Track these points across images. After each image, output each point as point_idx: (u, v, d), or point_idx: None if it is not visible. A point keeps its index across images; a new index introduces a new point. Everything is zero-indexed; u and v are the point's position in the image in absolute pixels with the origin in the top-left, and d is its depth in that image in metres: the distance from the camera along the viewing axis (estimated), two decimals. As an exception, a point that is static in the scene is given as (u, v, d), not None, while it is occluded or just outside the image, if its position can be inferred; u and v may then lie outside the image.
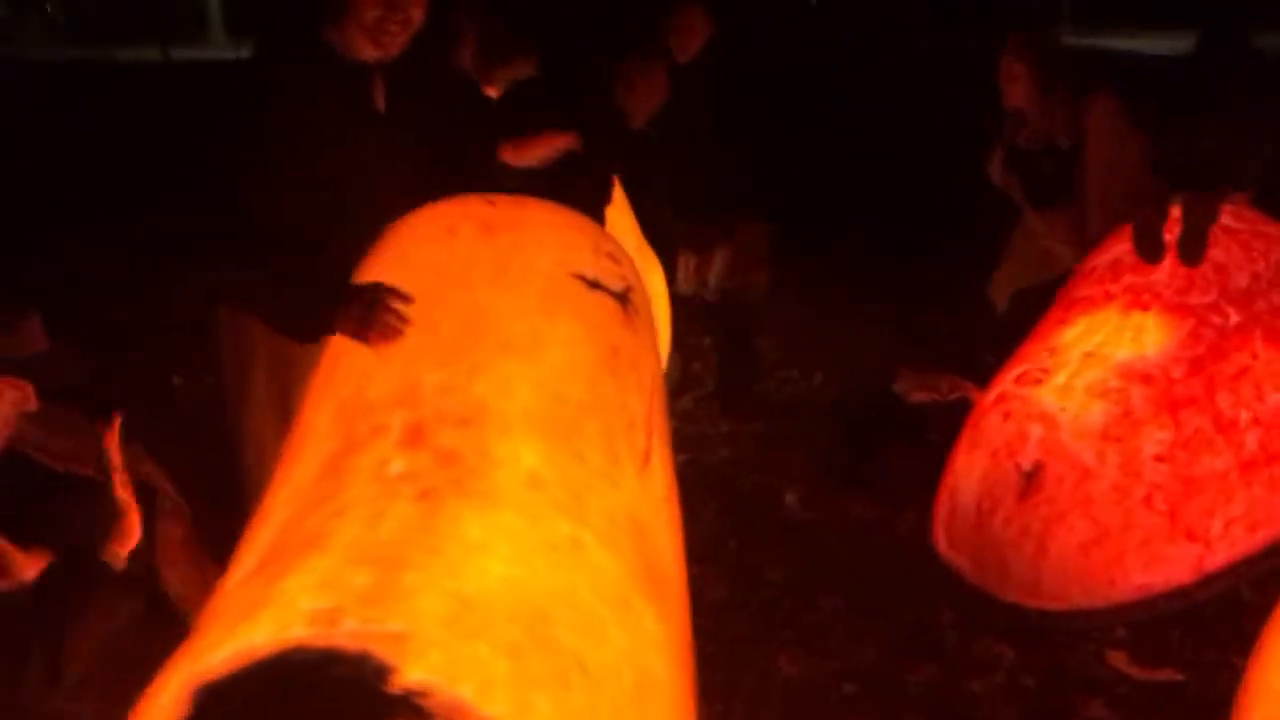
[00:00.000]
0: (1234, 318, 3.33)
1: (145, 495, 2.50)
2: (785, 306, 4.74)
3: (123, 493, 2.38)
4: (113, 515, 2.37)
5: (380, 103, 2.51)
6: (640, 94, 4.09)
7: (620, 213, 3.98)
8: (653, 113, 4.13)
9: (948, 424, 3.62)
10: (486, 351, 2.12)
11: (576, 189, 3.64)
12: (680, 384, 4.45)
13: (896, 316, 4.71)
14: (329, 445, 2.06)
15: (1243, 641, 2.18)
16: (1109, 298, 3.45)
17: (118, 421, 2.43)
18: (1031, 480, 3.14)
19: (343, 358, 2.23)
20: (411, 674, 1.46)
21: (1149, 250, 3.42)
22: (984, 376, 3.61)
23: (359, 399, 2.10)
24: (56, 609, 2.31)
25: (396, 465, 1.90)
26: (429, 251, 2.33)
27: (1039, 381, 3.32)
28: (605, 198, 3.90)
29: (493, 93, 3.66)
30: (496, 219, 2.37)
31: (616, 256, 2.39)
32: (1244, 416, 3.24)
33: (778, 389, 4.65)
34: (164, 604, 2.50)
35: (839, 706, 2.79)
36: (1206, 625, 3.06)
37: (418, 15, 2.43)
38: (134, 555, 2.44)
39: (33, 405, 2.33)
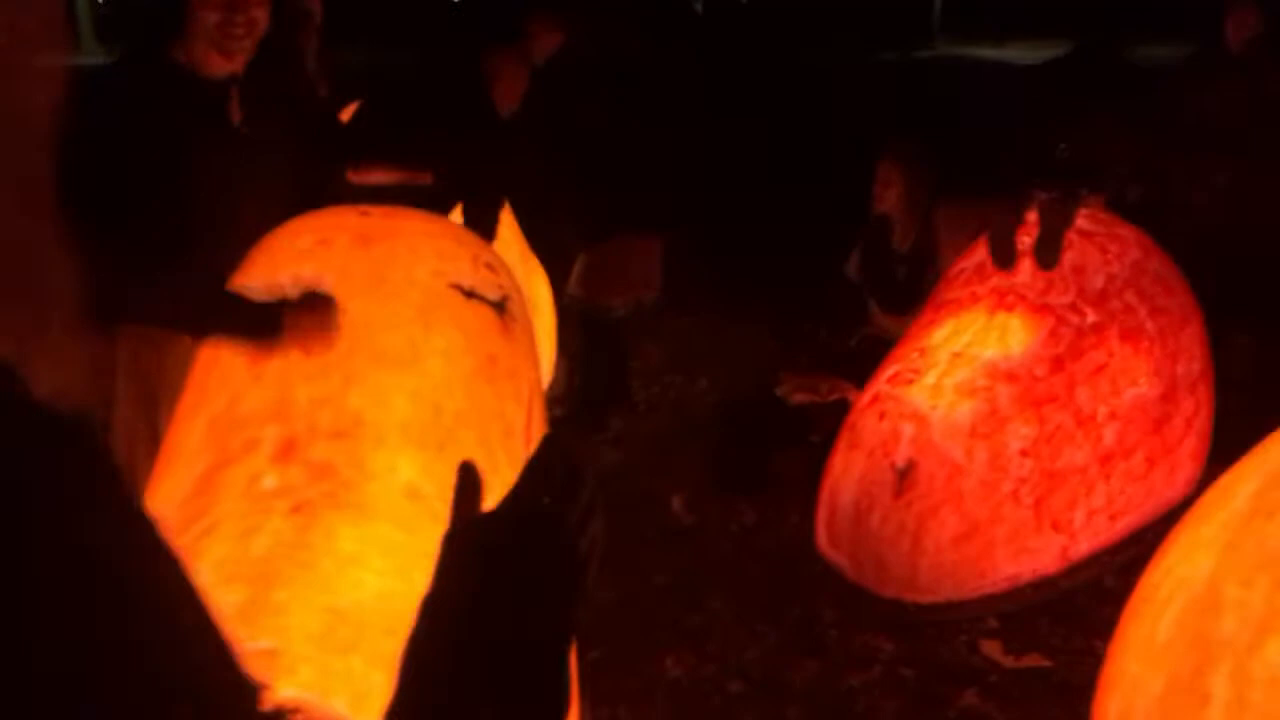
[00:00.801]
0: (1091, 317, 3.49)
1: None
2: (668, 313, 4.80)
3: None
4: None
5: (236, 118, 2.47)
6: (504, 84, 4.09)
7: (504, 221, 3.97)
8: (516, 106, 4.13)
9: (828, 425, 3.71)
10: (362, 363, 2.11)
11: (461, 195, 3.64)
12: (565, 391, 4.47)
13: (777, 322, 4.81)
14: (201, 461, 2.02)
15: (1106, 627, 2.29)
16: (976, 299, 3.58)
17: None
18: (905, 478, 3.24)
19: (213, 372, 2.19)
20: (283, 690, 1.45)
21: (1002, 256, 3.56)
22: (862, 378, 3.71)
23: (231, 414, 2.07)
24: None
25: (269, 480, 1.88)
26: (303, 264, 2.30)
27: (910, 381, 3.42)
28: (493, 205, 3.89)
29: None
30: (371, 229, 2.36)
31: (494, 265, 2.39)
32: (1102, 411, 3.39)
33: (662, 394, 4.70)
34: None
35: (724, 706, 2.84)
36: (1072, 613, 3.20)
37: (261, 17, 2.37)
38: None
39: None
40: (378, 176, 3.40)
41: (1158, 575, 2.23)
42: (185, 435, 2.12)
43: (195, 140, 2.38)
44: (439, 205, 3.27)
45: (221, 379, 2.16)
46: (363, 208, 2.44)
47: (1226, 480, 2.24)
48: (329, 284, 2.19)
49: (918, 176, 4.11)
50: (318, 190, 2.52)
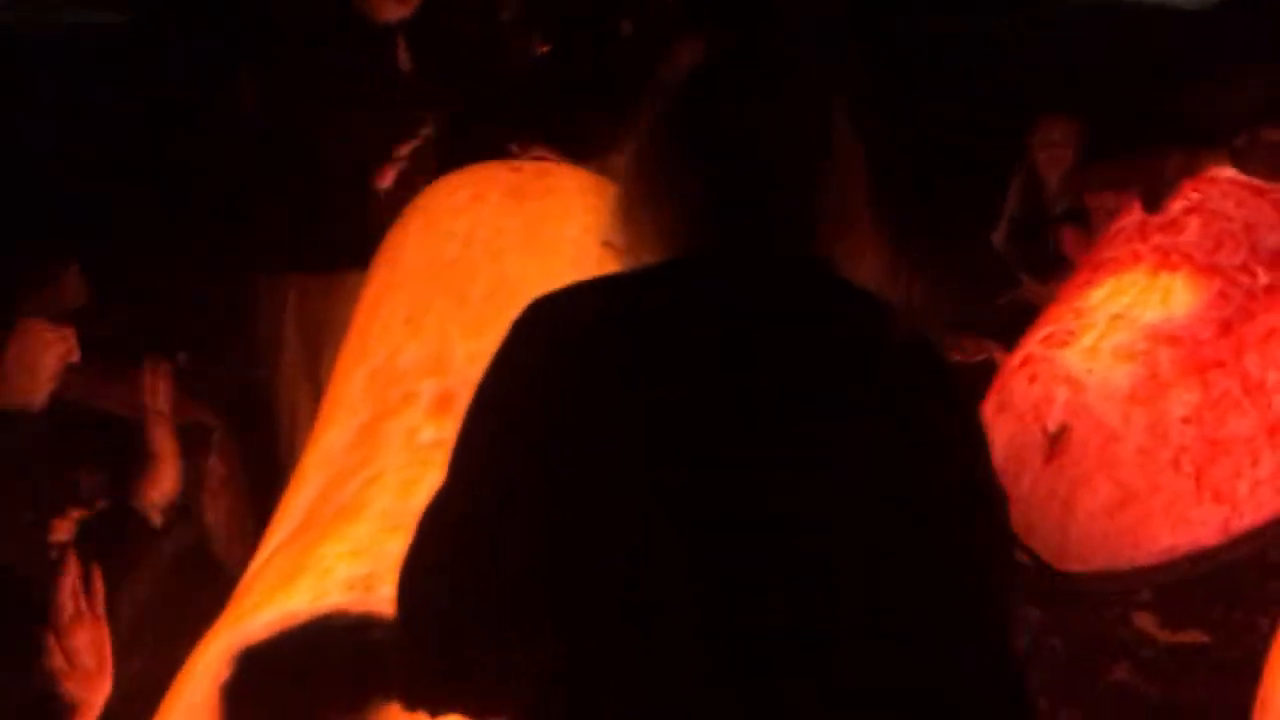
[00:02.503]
0: (1263, 278, 3.31)
1: (191, 439, 2.50)
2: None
3: (159, 436, 2.37)
4: (147, 459, 2.36)
5: (404, 64, 2.50)
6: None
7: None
8: None
9: (972, 385, 3.62)
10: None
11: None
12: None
13: (922, 278, 4.70)
14: (361, 413, 2.09)
15: (1269, 602, 2.20)
16: (1137, 258, 3.43)
17: (166, 366, 2.43)
18: (1057, 443, 3.14)
19: (373, 324, 2.25)
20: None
21: (1152, 200, 3.44)
22: (1009, 340, 3.60)
23: (389, 367, 2.12)
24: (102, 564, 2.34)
25: (427, 433, 1.93)
26: (457, 219, 2.34)
27: (1065, 343, 3.31)
28: None
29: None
30: (524, 186, 2.38)
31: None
32: (1271, 378, 3.22)
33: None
34: (206, 555, 2.52)
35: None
36: (1232, 587, 3.07)
37: None
38: (176, 504, 2.45)
39: (76, 356, 2.34)
40: (539, 153, 3.41)
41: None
42: (346, 386, 2.19)
43: (361, 87, 2.41)
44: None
45: (381, 332, 2.22)
46: (514, 163, 2.46)
47: None
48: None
49: (1078, 137, 3.97)
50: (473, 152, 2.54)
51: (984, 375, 3.56)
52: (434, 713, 1.02)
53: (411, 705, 1.03)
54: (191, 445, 2.52)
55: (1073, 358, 3.27)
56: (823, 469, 0.99)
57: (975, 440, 1.15)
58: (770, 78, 1.07)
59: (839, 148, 1.08)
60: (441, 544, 1.03)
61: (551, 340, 1.03)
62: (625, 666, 0.94)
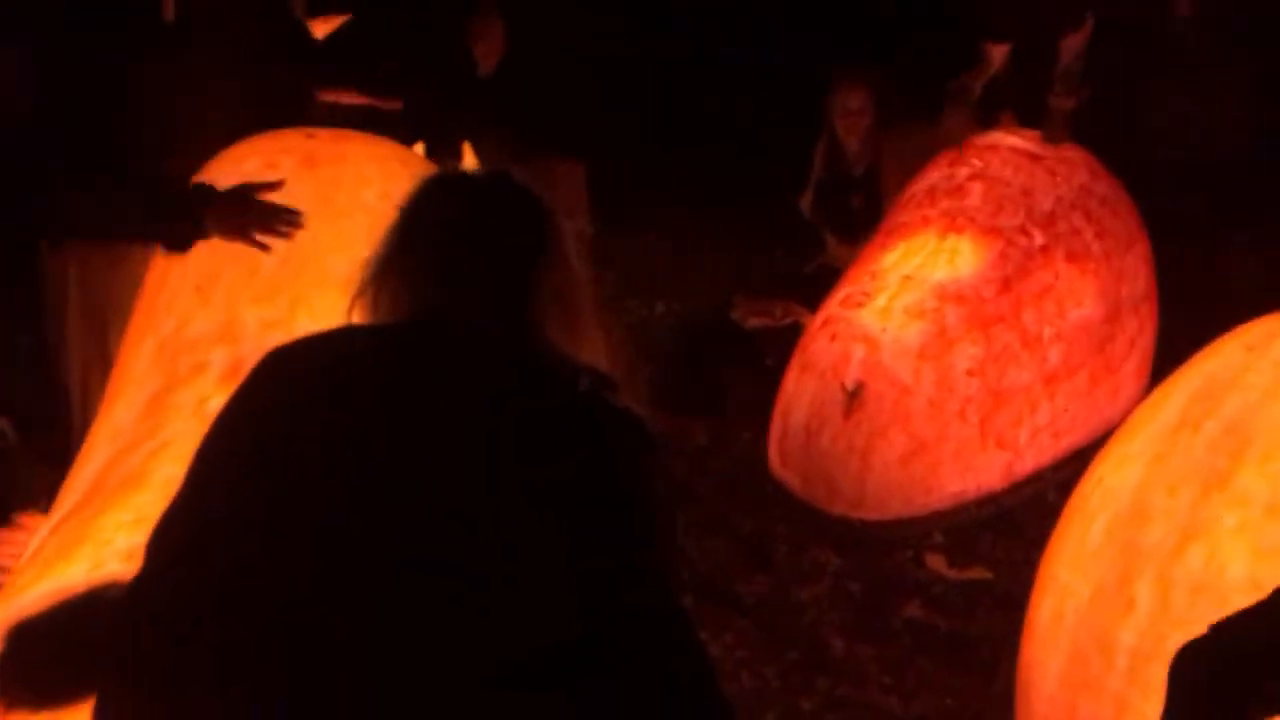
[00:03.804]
0: (1039, 239, 3.54)
1: None
2: (622, 241, 4.81)
3: None
4: None
5: (168, 13, 2.41)
6: (486, 45, 4.05)
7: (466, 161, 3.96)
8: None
9: (782, 348, 3.76)
10: (308, 285, 2.12)
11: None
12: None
13: (731, 247, 4.83)
14: (150, 384, 2.05)
15: (1047, 541, 2.37)
16: (927, 222, 3.62)
17: None
18: (855, 398, 3.30)
19: (161, 294, 2.20)
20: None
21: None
22: (816, 303, 3.75)
23: (179, 337, 2.09)
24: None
25: (216, 402, 1.89)
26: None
27: (861, 304, 3.47)
28: (456, 145, 3.88)
29: (318, 31, 3.57)
30: (318, 152, 2.36)
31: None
32: (1047, 332, 3.46)
33: (618, 320, 4.73)
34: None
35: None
36: (1015, 527, 3.29)
37: None
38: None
39: None
40: (347, 98, 3.37)
41: (1089, 486, 2.31)
42: (134, 358, 2.13)
43: (121, 36, 2.31)
44: (403, 136, 3.25)
45: (169, 302, 2.17)
46: (309, 130, 2.43)
47: (1157, 395, 2.31)
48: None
49: (874, 103, 4.13)
50: (280, 104, 2.49)
51: (793, 338, 3.70)
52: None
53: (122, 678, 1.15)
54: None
55: (868, 317, 3.43)
56: (482, 511, 1.17)
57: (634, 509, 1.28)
58: (492, 189, 1.36)
59: (553, 248, 1.32)
60: (160, 548, 1.18)
61: (277, 383, 1.24)
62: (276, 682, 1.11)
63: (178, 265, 2.19)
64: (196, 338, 2.06)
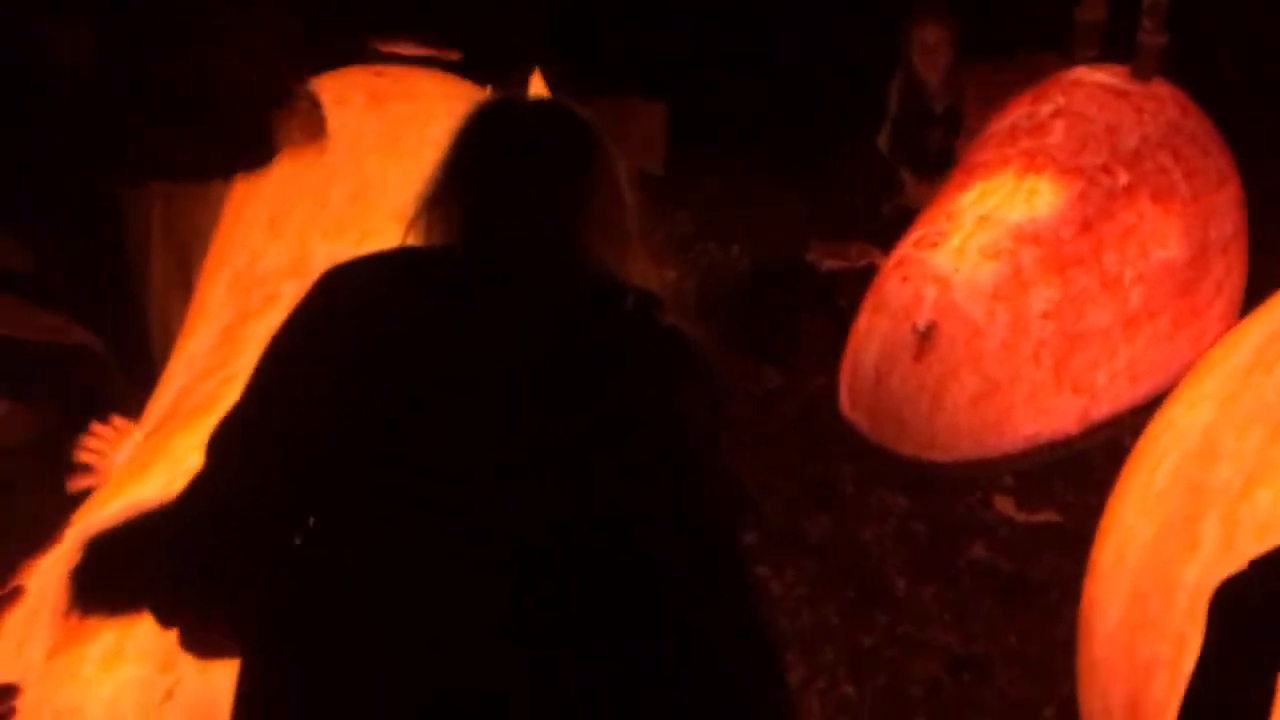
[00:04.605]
0: (1123, 178, 3.44)
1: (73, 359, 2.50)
2: (698, 182, 4.78)
3: None
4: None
5: None
6: None
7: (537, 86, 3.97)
8: None
9: (857, 290, 3.73)
10: (376, 220, 2.17)
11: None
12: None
13: (808, 187, 4.78)
14: (224, 315, 2.12)
15: (1116, 484, 2.35)
16: (1006, 161, 3.54)
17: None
18: (926, 339, 3.26)
19: (235, 230, 2.27)
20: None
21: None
22: (893, 245, 3.70)
23: (251, 270, 2.15)
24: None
25: (286, 331, 1.96)
26: (320, 123, 2.35)
27: (935, 245, 3.42)
28: (522, 80, 3.89)
29: None
30: (385, 89, 2.40)
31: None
32: (1129, 274, 3.37)
33: (694, 261, 4.72)
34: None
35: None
36: (1088, 471, 3.23)
37: None
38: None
39: None
40: (406, 47, 3.41)
41: (1158, 427, 2.27)
42: (210, 290, 2.21)
43: None
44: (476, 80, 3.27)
45: (243, 236, 2.24)
46: (378, 68, 2.47)
47: (1231, 336, 2.26)
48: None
49: (954, 39, 4.05)
50: (336, 52, 2.54)
51: (869, 281, 3.67)
52: (167, 616, 1.18)
53: (153, 601, 1.18)
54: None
55: (942, 258, 3.38)
56: (566, 443, 1.20)
57: (715, 422, 1.33)
58: (540, 115, 1.40)
59: (599, 172, 1.34)
60: (219, 448, 1.21)
61: (334, 299, 1.27)
62: (345, 617, 1.13)
63: (251, 201, 2.26)
64: (268, 271, 2.12)
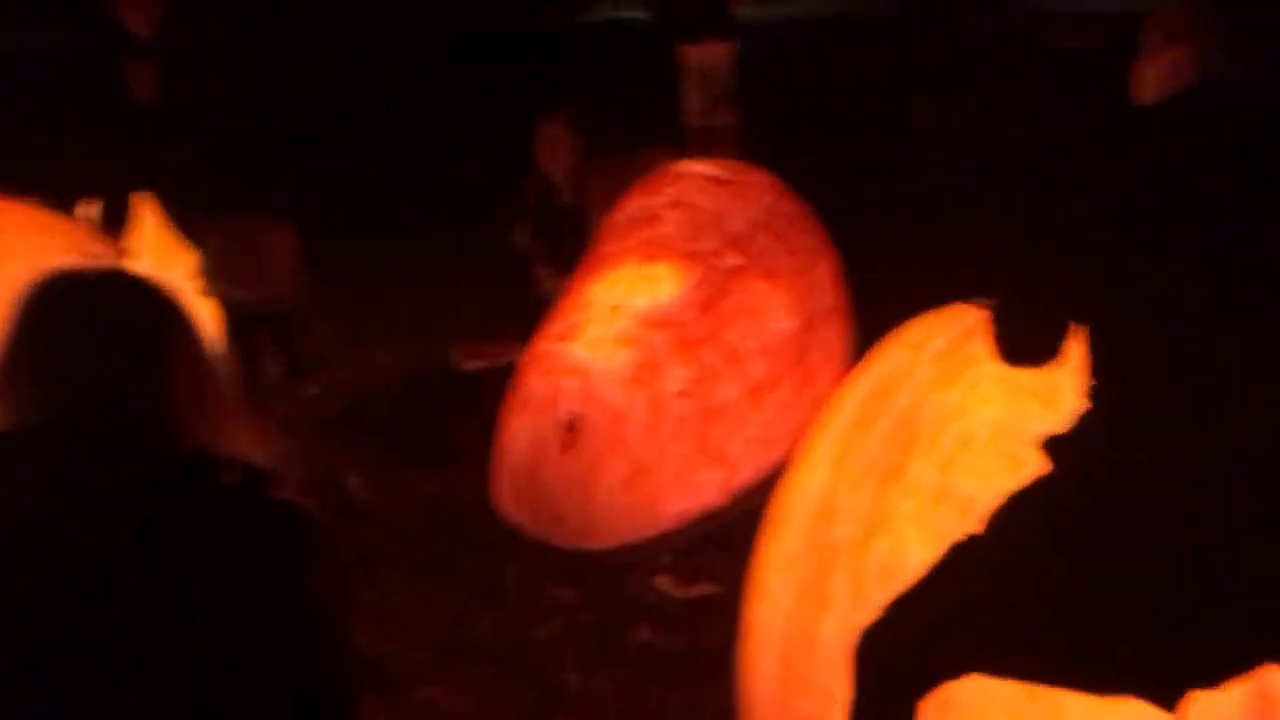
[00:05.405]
0: (734, 260, 3.69)
1: None
2: (336, 294, 4.69)
3: None
4: None
5: None
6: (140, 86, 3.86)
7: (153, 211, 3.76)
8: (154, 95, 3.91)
9: (501, 388, 3.75)
10: None
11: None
12: (230, 381, 4.28)
13: (448, 288, 4.80)
14: None
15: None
16: (627, 252, 3.71)
17: None
18: (571, 431, 3.33)
19: None
20: None
21: None
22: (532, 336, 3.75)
23: None
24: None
25: None
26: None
27: (571, 337, 3.51)
28: (124, 197, 3.67)
29: None
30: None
31: (97, 255, 2.26)
32: (750, 347, 3.61)
33: (337, 373, 4.60)
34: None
35: (410, 675, 2.84)
36: (737, 539, 3.36)
37: None
38: None
39: None
40: None
41: (785, 491, 2.42)
42: None
43: None
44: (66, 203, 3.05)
45: None
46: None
47: (834, 399, 2.45)
48: None
49: (580, 137, 4.21)
50: None
51: (510, 376, 3.70)
52: None
53: None
54: None
55: (579, 349, 3.48)
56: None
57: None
58: (108, 286, 1.32)
59: (176, 341, 1.30)
60: None
61: None
62: None
63: None
64: None
